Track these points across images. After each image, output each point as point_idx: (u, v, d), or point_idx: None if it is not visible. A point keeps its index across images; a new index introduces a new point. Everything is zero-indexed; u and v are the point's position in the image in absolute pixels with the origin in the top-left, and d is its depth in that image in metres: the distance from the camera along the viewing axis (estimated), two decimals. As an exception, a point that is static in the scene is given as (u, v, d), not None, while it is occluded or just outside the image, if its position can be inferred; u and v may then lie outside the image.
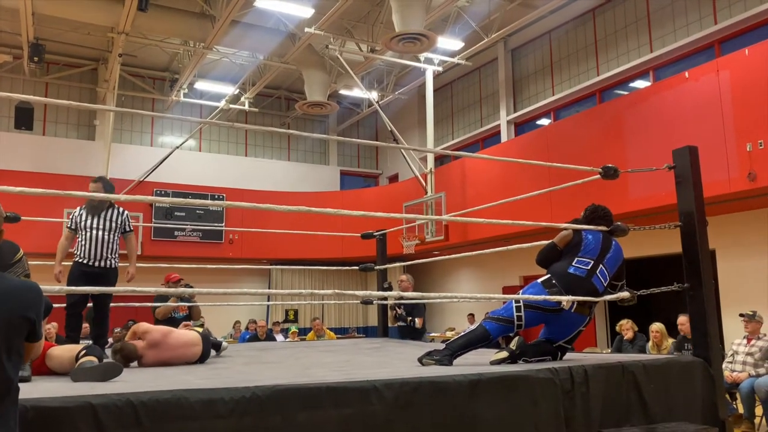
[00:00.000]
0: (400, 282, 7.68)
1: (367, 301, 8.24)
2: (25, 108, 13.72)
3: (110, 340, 6.17)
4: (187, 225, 13.80)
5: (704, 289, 3.47)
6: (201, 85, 15.30)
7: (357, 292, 3.03)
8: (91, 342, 4.84)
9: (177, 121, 16.53)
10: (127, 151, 15.12)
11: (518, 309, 3.50)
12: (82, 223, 4.99)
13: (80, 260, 4.94)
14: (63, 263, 5.10)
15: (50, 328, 9.54)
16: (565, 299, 3.42)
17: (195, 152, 16.41)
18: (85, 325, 10.57)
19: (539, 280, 3.59)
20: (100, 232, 4.97)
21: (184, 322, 4.96)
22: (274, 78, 15.17)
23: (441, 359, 3.39)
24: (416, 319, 7.32)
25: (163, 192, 13.80)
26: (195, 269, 6.99)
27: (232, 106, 15.48)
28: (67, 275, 4.97)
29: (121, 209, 5.21)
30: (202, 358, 4.10)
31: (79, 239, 5.00)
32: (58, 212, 11.95)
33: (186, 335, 4.11)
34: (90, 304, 5.14)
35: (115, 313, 5.36)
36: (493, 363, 3.36)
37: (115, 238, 5.09)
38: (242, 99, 15.46)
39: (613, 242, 3.70)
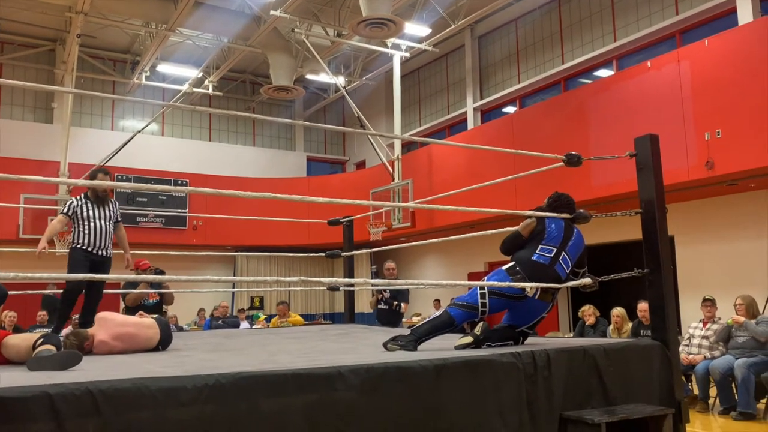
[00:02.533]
0: (390, 269, 7.79)
1: (334, 288, 8.25)
2: (-22, 89, 13.24)
3: (71, 328, 6.06)
4: (149, 211, 13.54)
5: (663, 274, 3.55)
6: (163, 68, 14.95)
7: (323, 279, 3.01)
8: (49, 330, 4.75)
9: (139, 105, 16.16)
10: (87, 135, 14.72)
11: (483, 296, 3.54)
12: (85, 213, 5.09)
13: (84, 248, 5.04)
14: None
15: (12, 316, 9.30)
16: (529, 286, 3.46)
17: (158, 137, 16.07)
18: (42, 313, 10.39)
19: (503, 267, 3.63)
20: (102, 222, 5.13)
21: (140, 312, 4.88)
22: (238, 61, 14.92)
23: (406, 344, 3.41)
24: (402, 304, 7.52)
25: (124, 177, 13.49)
26: (158, 256, 6.90)
27: (195, 89, 15.18)
28: (42, 253, 4.96)
29: (113, 200, 5.37)
30: (163, 344, 4.03)
31: (81, 228, 5.08)
32: (14, 197, 11.61)
33: (143, 322, 4.07)
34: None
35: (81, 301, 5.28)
36: (457, 348, 3.39)
37: (112, 227, 5.27)
38: (206, 83, 15.18)
39: (575, 230, 3.76)
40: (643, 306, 7.20)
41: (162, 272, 6.65)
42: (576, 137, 9.15)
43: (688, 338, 7.19)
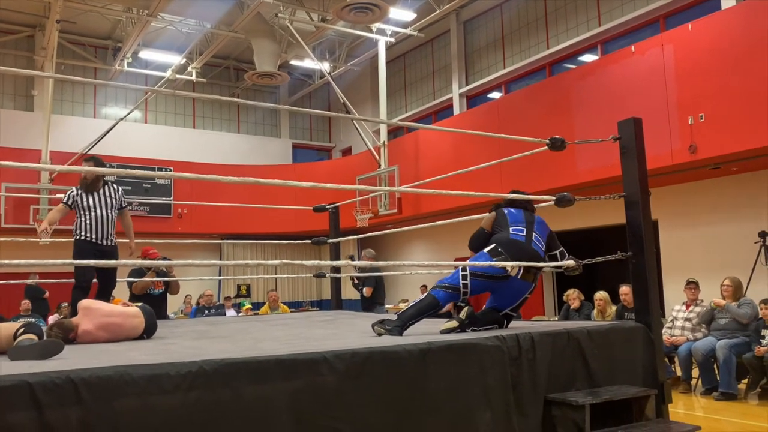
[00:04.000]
0: (364, 257, 8.52)
1: (320, 275, 8.27)
2: (-45, 76, 12.99)
3: (57, 316, 6.04)
4: (133, 199, 13.40)
5: (646, 257, 3.57)
6: (146, 55, 14.74)
7: (305, 262, 2.99)
8: (32, 320, 4.70)
9: (121, 92, 15.95)
10: (69, 123, 14.52)
11: (464, 277, 3.57)
12: (84, 203, 5.02)
13: (88, 239, 4.98)
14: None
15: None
16: (510, 265, 3.48)
17: (140, 124, 15.89)
18: (25, 302, 10.29)
19: (485, 250, 3.66)
20: (102, 211, 5.05)
21: (123, 301, 4.85)
22: (222, 47, 14.76)
23: (392, 329, 3.44)
24: (364, 288, 7.99)
25: (107, 165, 13.30)
26: (144, 245, 6.85)
27: (178, 76, 15.00)
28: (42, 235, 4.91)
29: (115, 186, 5.30)
30: (148, 333, 4.00)
31: (83, 218, 5.02)
32: (-6, 186, 11.44)
33: (121, 307, 4.04)
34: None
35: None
36: (443, 332, 3.40)
37: (115, 215, 5.19)
38: (189, 69, 15.00)
39: (536, 216, 3.87)
40: (624, 290, 7.27)
41: (168, 260, 6.65)
42: (561, 122, 9.17)
43: (672, 320, 7.28)
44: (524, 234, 3.67)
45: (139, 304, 4.22)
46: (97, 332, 3.77)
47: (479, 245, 3.78)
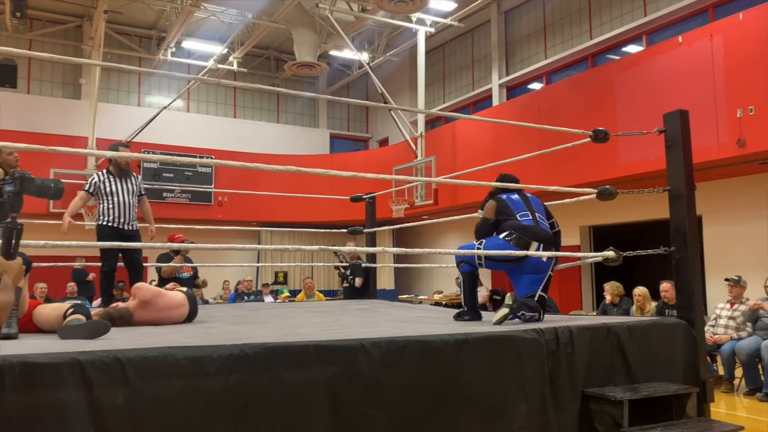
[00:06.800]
0: (347, 244, 8.84)
1: (355, 264, 8.38)
2: (8, 65, 13.43)
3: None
4: (175, 186, 13.70)
5: (690, 253, 3.50)
6: (189, 44, 14.99)
7: (343, 248, 3.04)
8: (79, 301, 4.86)
9: (165, 81, 16.25)
10: (114, 111, 14.88)
11: (478, 257, 3.83)
12: (108, 189, 5.15)
13: (111, 224, 5.12)
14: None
15: (43, 288, 9.55)
16: (523, 254, 3.65)
17: (183, 113, 16.18)
18: (71, 284, 10.63)
19: (500, 236, 3.81)
20: (125, 196, 5.19)
21: (172, 283, 4.99)
22: (263, 38, 14.89)
23: (472, 316, 3.87)
24: (356, 279, 8.11)
25: (150, 153, 13.63)
26: (184, 230, 7.01)
27: (220, 66, 15.21)
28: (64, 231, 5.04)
29: (135, 174, 5.45)
30: (189, 318, 4.10)
31: (106, 204, 5.15)
32: (44, 172, 11.81)
33: (175, 297, 4.11)
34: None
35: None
36: (498, 323, 3.40)
37: (136, 201, 5.34)
38: (231, 59, 15.19)
39: (529, 196, 4.07)
40: (665, 286, 7.11)
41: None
42: (603, 114, 8.99)
43: (715, 318, 7.11)
44: (531, 218, 3.84)
45: (185, 289, 4.31)
46: (149, 321, 3.87)
47: (485, 234, 3.94)
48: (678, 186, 3.55)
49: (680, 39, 8.40)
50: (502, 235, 3.78)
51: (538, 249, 3.69)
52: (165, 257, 6.53)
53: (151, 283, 5.41)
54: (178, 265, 6.38)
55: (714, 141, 7.65)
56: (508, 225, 3.81)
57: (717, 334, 6.89)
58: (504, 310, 3.47)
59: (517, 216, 3.83)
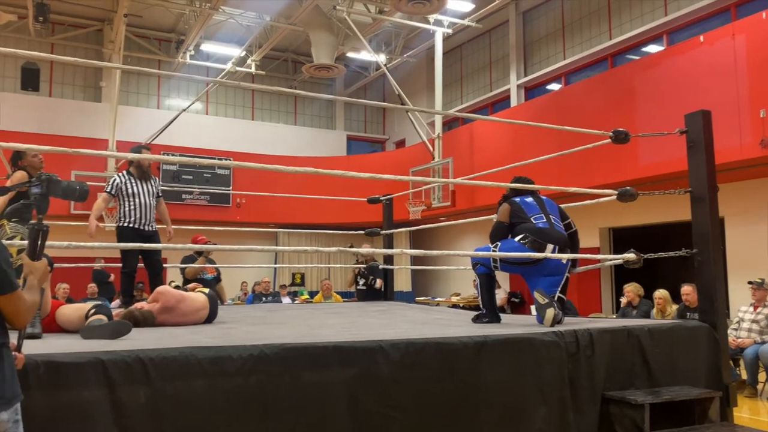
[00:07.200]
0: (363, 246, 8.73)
1: (372, 266, 8.39)
2: (31, 69, 13.63)
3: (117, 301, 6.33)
4: (194, 188, 13.81)
5: (712, 255, 3.46)
6: (207, 47, 15.12)
7: (360, 250, 3.04)
8: (99, 302, 4.92)
9: (184, 84, 16.40)
10: (134, 114, 15.05)
11: (493, 260, 3.87)
12: (129, 190, 5.23)
13: (133, 225, 5.20)
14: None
15: (66, 288, 9.69)
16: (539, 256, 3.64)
17: (202, 115, 16.32)
18: (92, 285, 10.77)
19: (515, 239, 3.80)
20: (147, 198, 5.27)
21: (193, 283, 5.03)
22: (280, 40, 14.97)
23: (491, 318, 3.88)
24: (377, 280, 8.14)
25: (170, 155, 13.75)
26: (203, 232, 7.07)
27: (238, 68, 15.32)
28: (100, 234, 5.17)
29: (153, 175, 5.53)
30: (209, 319, 4.13)
31: (127, 205, 5.22)
32: (66, 174, 11.98)
33: (197, 301, 4.12)
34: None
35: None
36: (552, 325, 3.36)
37: (154, 203, 5.41)
38: (249, 61, 15.29)
39: (543, 198, 4.06)
40: (687, 289, 7.00)
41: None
42: (623, 115, 8.90)
43: (737, 322, 7.00)
44: (545, 221, 3.84)
45: (207, 290, 4.34)
46: (171, 324, 3.90)
47: (500, 237, 3.94)
48: (700, 187, 3.51)
49: (702, 38, 8.30)
50: (517, 238, 3.79)
51: (553, 251, 3.69)
52: (189, 258, 6.61)
53: (170, 284, 5.46)
54: (202, 266, 6.44)
55: (737, 141, 7.55)
56: (523, 228, 3.82)
57: (740, 337, 6.79)
58: (551, 311, 3.41)
59: (532, 219, 3.84)
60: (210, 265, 6.66)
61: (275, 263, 14.95)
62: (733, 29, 7.94)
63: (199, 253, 6.50)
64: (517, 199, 3.98)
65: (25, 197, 2.52)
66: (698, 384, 3.29)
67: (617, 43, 11.82)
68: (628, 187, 3.67)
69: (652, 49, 11.28)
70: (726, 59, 7.83)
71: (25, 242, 1.99)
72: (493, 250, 3.83)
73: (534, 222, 3.82)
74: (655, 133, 4.10)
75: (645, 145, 8.28)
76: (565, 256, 3.66)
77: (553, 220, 3.86)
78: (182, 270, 6.59)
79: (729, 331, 6.62)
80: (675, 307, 7.28)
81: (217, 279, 6.80)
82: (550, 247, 3.68)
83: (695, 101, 7.46)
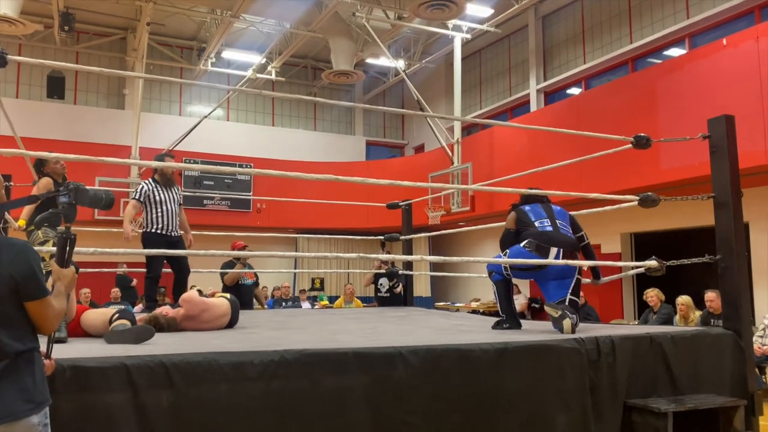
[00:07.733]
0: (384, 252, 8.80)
1: (393, 271, 8.40)
2: (56, 77, 13.89)
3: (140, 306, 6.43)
4: (215, 194, 13.95)
5: (736, 261, 3.41)
6: (228, 54, 15.29)
7: (380, 256, 3.06)
8: (123, 307, 4.99)
9: (205, 91, 16.59)
10: (157, 121, 15.25)
11: (504, 267, 3.90)
12: (156, 198, 5.36)
13: (161, 231, 5.33)
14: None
15: (87, 293, 9.85)
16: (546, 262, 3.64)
17: (223, 122, 16.48)
18: (115, 290, 10.92)
19: (520, 245, 3.85)
20: (172, 205, 5.41)
21: (212, 289, 5.10)
22: (300, 47, 15.08)
23: (511, 324, 3.88)
24: (401, 285, 8.24)
25: (191, 161, 13.92)
26: (224, 237, 7.14)
27: (259, 75, 15.45)
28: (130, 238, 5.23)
29: (176, 183, 5.67)
30: (230, 324, 4.17)
31: (154, 213, 5.35)
32: (90, 180, 12.17)
33: (220, 308, 4.14)
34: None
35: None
36: (569, 331, 3.36)
37: (178, 209, 5.55)
38: (269, 68, 15.42)
39: (553, 206, 4.10)
40: (710, 296, 6.90)
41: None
42: (644, 120, 8.81)
43: (763, 329, 6.88)
44: (550, 224, 3.89)
45: (228, 296, 4.37)
46: (193, 330, 3.94)
47: (508, 244, 4.00)
48: (723, 193, 3.47)
49: (725, 41, 8.19)
50: (522, 244, 3.85)
51: (557, 254, 3.70)
52: (228, 265, 6.73)
53: (191, 288, 5.51)
54: (240, 271, 6.55)
55: (761, 146, 7.43)
56: (527, 233, 3.88)
57: (766, 345, 6.67)
58: (569, 320, 3.41)
59: (536, 224, 3.90)
60: (248, 270, 6.77)
61: (295, 268, 15.01)
62: (757, 32, 7.82)
63: (237, 258, 6.61)
64: (525, 207, 4.07)
65: (54, 205, 2.57)
66: (723, 392, 3.25)
67: (638, 46, 11.72)
68: (649, 193, 3.64)
69: (674, 52, 11.16)
70: (750, 62, 7.72)
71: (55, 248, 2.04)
72: (504, 266, 3.89)
73: (537, 226, 3.88)
74: (678, 138, 4.06)
75: (667, 150, 8.18)
76: (573, 263, 3.67)
77: (559, 225, 3.90)
78: (221, 275, 6.71)
79: (754, 339, 6.50)
80: (698, 313, 7.18)
81: (256, 284, 6.92)
82: (554, 250, 3.70)
83: (718, 105, 7.36)
